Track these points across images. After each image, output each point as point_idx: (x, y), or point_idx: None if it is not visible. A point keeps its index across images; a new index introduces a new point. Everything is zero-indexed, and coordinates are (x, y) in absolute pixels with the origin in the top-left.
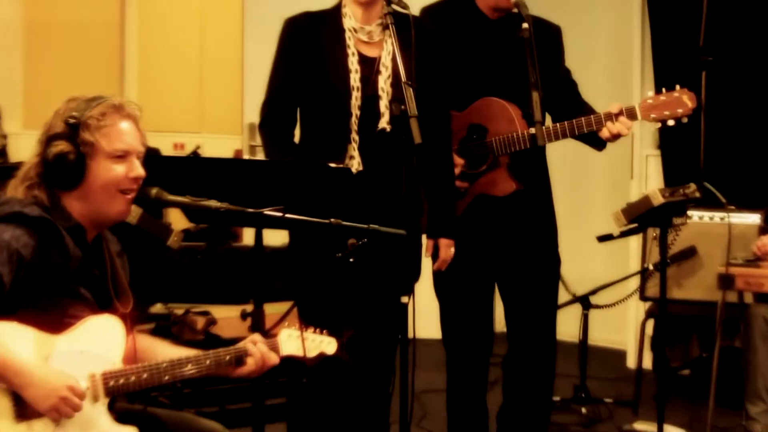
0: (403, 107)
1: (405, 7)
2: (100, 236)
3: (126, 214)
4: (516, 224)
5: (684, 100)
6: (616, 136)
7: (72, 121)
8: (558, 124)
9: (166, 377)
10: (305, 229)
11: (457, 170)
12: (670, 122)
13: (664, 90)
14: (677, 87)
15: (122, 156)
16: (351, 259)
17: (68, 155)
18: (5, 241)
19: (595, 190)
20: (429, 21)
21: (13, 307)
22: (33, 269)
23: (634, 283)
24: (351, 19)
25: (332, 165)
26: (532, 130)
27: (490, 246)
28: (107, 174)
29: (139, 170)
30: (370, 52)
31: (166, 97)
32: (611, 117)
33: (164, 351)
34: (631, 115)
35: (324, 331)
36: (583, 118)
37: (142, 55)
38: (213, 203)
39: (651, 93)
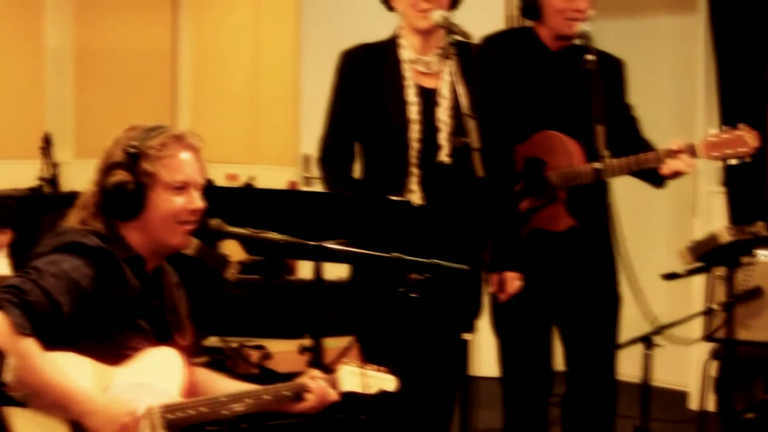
0: (464, 140)
1: (468, 36)
2: (159, 268)
3: (185, 245)
4: (573, 261)
5: (746, 139)
6: (676, 174)
7: (132, 150)
8: (618, 160)
9: (225, 411)
10: (367, 263)
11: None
12: (733, 161)
13: (726, 128)
14: (740, 125)
15: (182, 187)
16: (414, 295)
17: (127, 185)
18: (64, 271)
19: (657, 227)
20: (490, 50)
21: (71, 338)
22: (92, 300)
23: (698, 322)
24: (408, 49)
25: (392, 198)
26: (596, 165)
27: (547, 283)
28: (166, 205)
29: (198, 202)
30: (428, 83)
31: (220, 126)
32: (671, 154)
33: (222, 385)
34: (691, 152)
35: (384, 369)
36: (642, 155)
37: (195, 83)
38: (274, 235)
39: (713, 131)
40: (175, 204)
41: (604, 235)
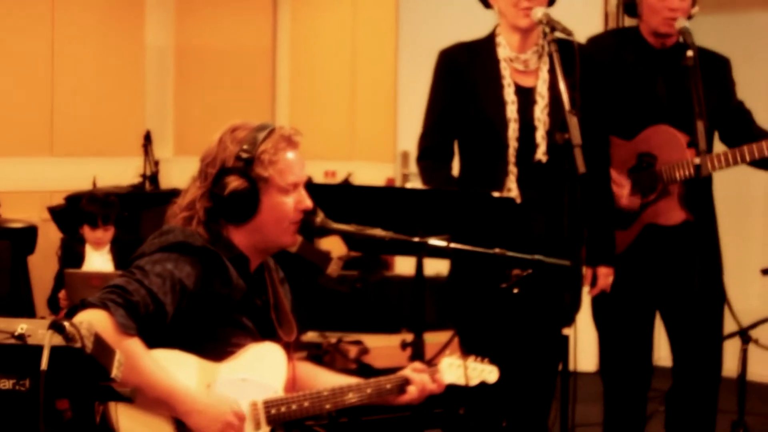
0: (566, 136)
1: (569, 34)
2: (262, 265)
3: (293, 244)
4: (683, 255)
5: None
6: None
7: (245, 155)
8: (723, 153)
9: (328, 405)
10: (470, 258)
11: (626, 190)
12: None
13: None
14: None
15: (293, 188)
16: (516, 290)
17: (244, 191)
18: (169, 270)
19: (755, 220)
20: (596, 50)
21: (176, 336)
22: (196, 299)
23: None
24: (506, 48)
25: (496, 195)
26: (697, 160)
27: (654, 277)
28: (280, 208)
29: (308, 201)
30: (525, 81)
31: (318, 123)
32: None
33: (325, 379)
34: None
35: (485, 360)
36: (747, 146)
37: (293, 81)
38: (378, 232)
39: None
40: (288, 206)
41: (711, 229)
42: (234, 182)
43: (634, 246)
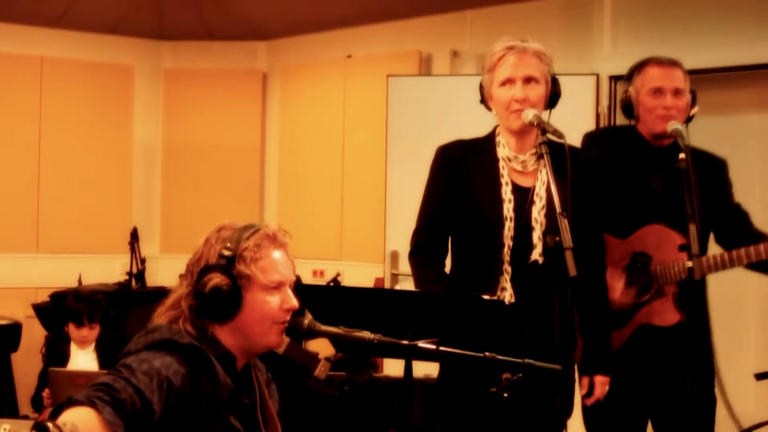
0: (557, 239)
1: (560, 136)
2: (249, 365)
3: (278, 344)
4: (676, 357)
5: None
6: None
7: (227, 253)
8: (718, 255)
9: None
10: (459, 362)
11: (619, 295)
12: None
13: None
14: None
15: (277, 287)
16: (506, 394)
17: (225, 288)
18: (155, 368)
19: (747, 324)
20: (592, 146)
21: None
22: (183, 397)
23: None
24: (505, 148)
25: (486, 297)
26: (689, 263)
27: (647, 381)
28: (263, 307)
29: (293, 302)
30: (523, 182)
31: (306, 222)
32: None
33: None
34: None
35: None
36: (744, 248)
37: (282, 178)
38: (366, 334)
39: None
40: (271, 305)
41: (705, 330)
42: (215, 279)
43: (627, 347)
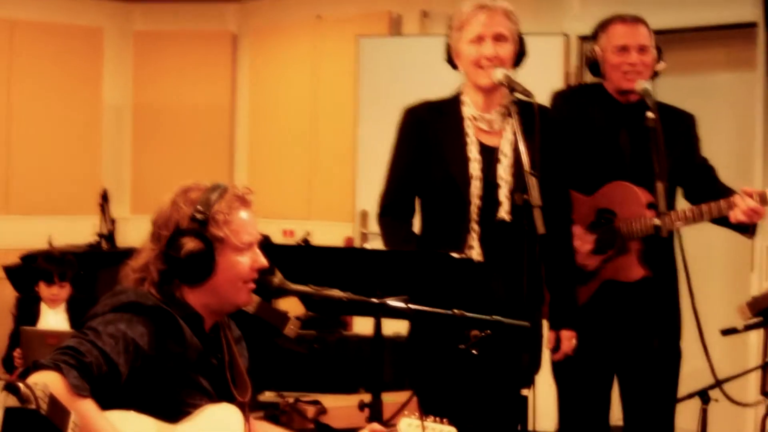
0: (526, 197)
1: (529, 95)
2: (218, 324)
3: (248, 303)
4: (642, 313)
5: None
6: (750, 215)
7: (200, 216)
8: (682, 210)
9: None
10: (428, 319)
11: (584, 252)
12: None
13: None
14: None
15: (248, 247)
16: (474, 351)
17: (200, 253)
18: (121, 330)
19: (714, 281)
20: (561, 104)
21: (131, 397)
22: (150, 359)
23: (755, 377)
24: (471, 107)
25: (455, 255)
26: (656, 221)
27: (613, 335)
28: (235, 268)
29: (263, 260)
30: (489, 141)
31: (276, 182)
32: (740, 201)
33: None
34: (762, 199)
35: (444, 420)
36: (705, 205)
37: (252, 139)
38: (336, 293)
39: None
40: (243, 265)
41: (672, 287)
42: (189, 244)
43: (593, 302)
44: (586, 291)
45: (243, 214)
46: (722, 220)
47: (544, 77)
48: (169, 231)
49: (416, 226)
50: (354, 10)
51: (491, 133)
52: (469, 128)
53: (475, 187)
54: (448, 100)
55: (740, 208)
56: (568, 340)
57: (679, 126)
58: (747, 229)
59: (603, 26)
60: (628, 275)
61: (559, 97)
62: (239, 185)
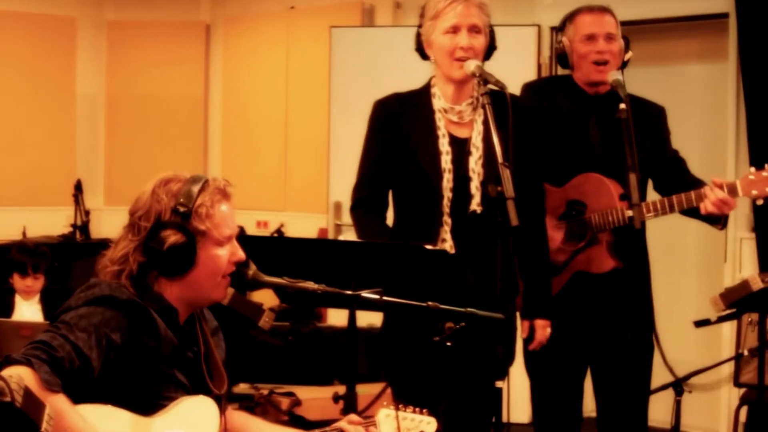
0: (499, 189)
1: (503, 87)
2: (193, 316)
3: (224, 296)
4: (613, 304)
5: None
6: (719, 206)
7: (182, 209)
8: (653, 202)
9: None
10: (403, 311)
11: (555, 244)
12: None
13: (766, 166)
14: None
15: (227, 240)
16: (449, 343)
17: (182, 246)
18: (94, 324)
19: (687, 272)
20: (530, 96)
21: (106, 391)
22: (124, 353)
23: (728, 368)
24: (440, 99)
25: (428, 247)
26: (629, 213)
27: (586, 326)
28: (215, 261)
29: (241, 253)
30: (460, 132)
31: (250, 173)
32: (709, 192)
33: (260, 428)
34: (731, 191)
35: (424, 411)
36: (677, 195)
37: (225, 130)
38: (310, 285)
39: (752, 169)
40: (222, 259)
41: (644, 279)
42: (173, 236)
43: (564, 293)
44: (557, 283)
45: (224, 208)
46: (693, 212)
47: (516, 68)
48: (150, 222)
49: (389, 219)
50: (327, 1)
51: (461, 124)
52: (440, 121)
53: (447, 181)
54: (418, 92)
55: (710, 200)
56: (543, 329)
57: (650, 118)
58: (718, 220)
59: (570, 17)
60: (599, 267)
61: (528, 89)
62: (219, 178)
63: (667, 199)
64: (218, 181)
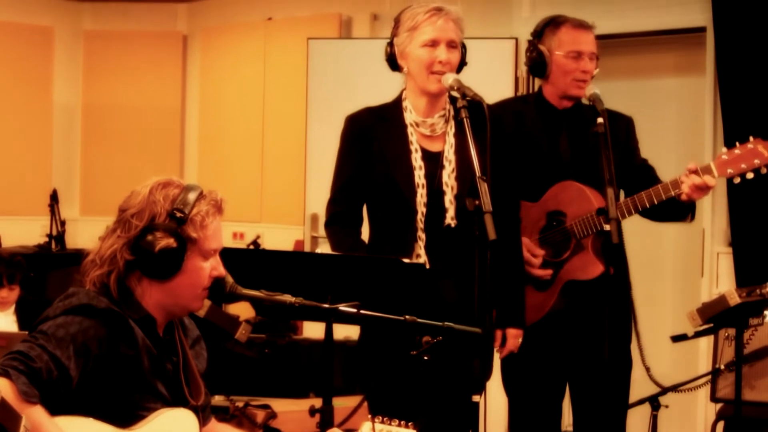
0: (477, 202)
1: (480, 99)
2: (172, 325)
3: (200, 307)
4: (601, 311)
5: (760, 150)
6: (698, 190)
7: (179, 215)
8: (630, 198)
9: None
10: (380, 325)
11: (538, 260)
12: (749, 175)
13: (737, 144)
14: (751, 138)
15: (213, 254)
16: (426, 357)
17: (173, 250)
18: (71, 334)
19: (664, 287)
20: (500, 114)
21: (85, 402)
22: (102, 363)
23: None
24: (412, 112)
25: (406, 261)
26: (607, 227)
27: (565, 343)
28: (198, 272)
29: (222, 269)
30: (432, 146)
31: (226, 184)
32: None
33: None
34: (707, 172)
35: (410, 424)
36: (653, 188)
37: (202, 141)
38: (288, 298)
39: (724, 149)
40: (205, 271)
41: (624, 290)
42: (165, 239)
43: (557, 306)
44: (550, 296)
45: (216, 222)
46: (660, 212)
47: (494, 81)
48: (143, 222)
49: (365, 234)
50: (304, 12)
51: (433, 138)
52: (412, 135)
53: (421, 195)
54: (390, 106)
55: (687, 185)
56: (514, 338)
57: (619, 128)
58: (686, 212)
59: (552, 27)
60: (589, 272)
61: (497, 108)
62: (216, 191)
63: (645, 192)
64: (214, 194)
